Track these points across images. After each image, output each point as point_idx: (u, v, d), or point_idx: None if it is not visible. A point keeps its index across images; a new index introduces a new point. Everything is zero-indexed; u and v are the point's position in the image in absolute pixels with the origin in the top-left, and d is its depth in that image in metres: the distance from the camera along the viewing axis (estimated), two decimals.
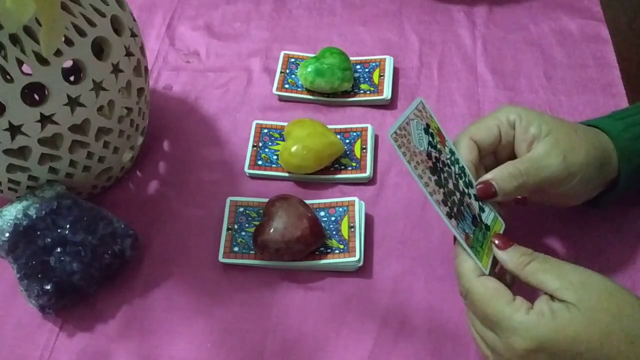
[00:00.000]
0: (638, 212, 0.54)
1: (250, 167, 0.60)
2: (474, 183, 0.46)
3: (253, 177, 0.61)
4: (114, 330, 0.52)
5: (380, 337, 0.49)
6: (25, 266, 0.49)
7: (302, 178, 0.60)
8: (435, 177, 0.43)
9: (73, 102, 0.49)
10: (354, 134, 0.62)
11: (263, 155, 0.61)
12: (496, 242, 0.43)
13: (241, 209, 0.57)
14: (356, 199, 0.56)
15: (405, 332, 0.49)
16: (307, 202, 0.55)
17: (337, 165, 0.60)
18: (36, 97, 0.58)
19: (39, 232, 0.50)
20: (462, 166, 0.46)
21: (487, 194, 0.45)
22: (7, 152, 0.48)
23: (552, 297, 0.39)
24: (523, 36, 0.70)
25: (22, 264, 0.49)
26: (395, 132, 0.42)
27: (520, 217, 0.54)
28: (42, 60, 0.45)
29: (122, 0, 0.54)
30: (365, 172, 0.59)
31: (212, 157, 0.63)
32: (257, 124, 0.64)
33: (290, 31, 0.75)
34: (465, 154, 0.46)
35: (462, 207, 0.44)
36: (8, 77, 0.45)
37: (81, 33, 0.48)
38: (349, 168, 0.59)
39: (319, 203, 0.56)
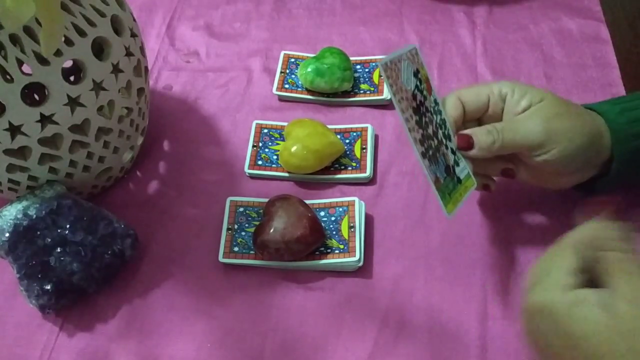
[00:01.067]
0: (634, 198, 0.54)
1: (250, 167, 0.60)
2: (452, 137, 0.48)
3: (253, 177, 0.61)
4: (114, 330, 0.52)
5: (380, 337, 0.49)
6: (25, 266, 0.49)
7: (302, 178, 0.60)
8: (417, 118, 0.45)
9: (73, 102, 0.49)
10: (354, 134, 0.62)
11: (263, 155, 0.61)
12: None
13: (241, 209, 0.57)
14: (356, 199, 0.56)
15: (405, 332, 0.49)
16: (307, 202, 0.55)
17: (337, 165, 0.60)
18: (36, 97, 0.58)
19: (39, 232, 0.50)
20: (444, 118, 0.48)
21: (465, 144, 0.47)
22: (7, 152, 0.48)
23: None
24: (523, 36, 0.70)
25: (22, 264, 0.49)
26: (386, 64, 0.43)
27: (514, 211, 0.54)
28: (42, 60, 0.45)
29: (122, 0, 0.54)
30: (365, 172, 0.59)
31: (212, 157, 0.63)
32: (257, 124, 0.64)
33: (290, 31, 0.75)
34: (450, 110, 0.48)
35: (437, 154, 0.46)
36: (8, 77, 0.45)
37: (81, 33, 0.48)
38: (349, 168, 0.59)
39: (319, 203, 0.56)
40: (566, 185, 0.50)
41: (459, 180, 0.47)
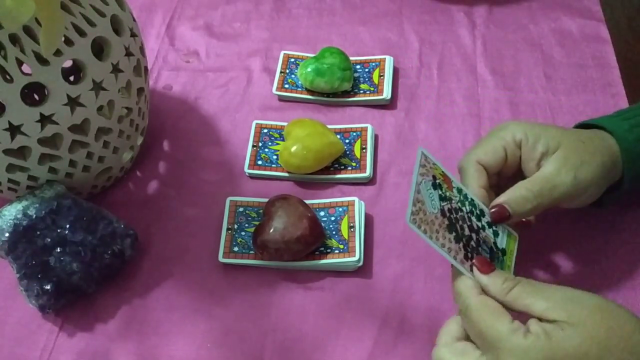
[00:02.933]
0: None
1: (250, 167, 0.60)
2: (486, 211, 0.46)
3: (253, 177, 0.61)
4: (114, 330, 0.52)
5: (380, 337, 0.49)
6: (25, 266, 0.49)
7: (302, 178, 0.60)
8: (454, 234, 0.43)
9: (73, 102, 0.49)
10: (354, 134, 0.62)
11: (263, 155, 0.61)
12: (477, 264, 0.42)
13: (241, 209, 0.57)
14: (356, 199, 0.56)
15: (405, 332, 0.49)
16: (307, 202, 0.55)
17: (336, 165, 0.60)
18: (36, 97, 0.58)
19: (38, 232, 0.50)
20: (472, 199, 0.45)
21: (502, 217, 0.45)
22: (6, 152, 0.48)
23: (541, 320, 0.38)
24: (523, 36, 0.70)
25: (21, 264, 0.49)
26: (413, 217, 0.41)
27: None
28: (42, 60, 0.45)
29: (122, 0, 0.54)
30: (365, 172, 0.59)
31: (212, 157, 0.63)
32: (257, 123, 0.64)
33: (290, 31, 0.75)
34: (475, 181, 0.46)
35: (479, 248, 0.44)
36: (8, 77, 0.45)
37: (81, 33, 0.48)
38: (349, 168, 0.59)
39: (318, 203, 0.56)
40: (581, 206, 0.49)
41: (504, 252, 0.46)
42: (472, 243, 0.44)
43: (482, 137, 0.50)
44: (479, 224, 0.45)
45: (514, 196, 0.45)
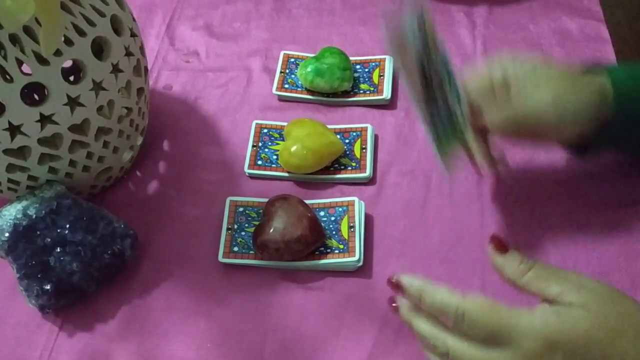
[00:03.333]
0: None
1: (250, 167, 0.60)
2: (461, 95, 0.49)
3: (253, 177, 0.61)
4: (114, 330, 0.52)
5: (380, 337, 0.49)
6: (25, 266, 0.49)
7: (301, 178, 0.60)
8: (422, 80, 0.46)
9: (73, 102, 0.49)
10: (354, 133, 0.62)
11: (263, 155, 0.61)
12: (493, 245, 0.41)
13: (241, 209, 0.57)
14: (356, 198, 0.56)
15: (405, 332, 0.49)
16: (307, 202, 0.55)
17: (336, 165, 0.60)
18: (36, 97, 0.58)
19: (38, 232, 0.50)
20: (454, 80, 0.49)
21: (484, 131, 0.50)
22: (6, 152, 0.48)
23: (552, 302, 0.38)
24: (523, 36, 0.70)
25: (21, 264, 0.49)
26: (387, 24, 0.45)
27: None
28: (42, 60, 0.45)
29: (121, 0, 0.54)
30: (365, 172, 0.59)
31: (212, 157, 0.63)
32: (256, 123, 0.64)
33: (290, 31, 0.75)
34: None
35: (444, 116, 0.48)
36: (8, 77, 0.45)
37: (81, 33, 0.48)
38: (349, 168, 0.59)
39: (318, 203, 0.56)
40: (564, 140, 0.51)
41: (461, 132, 0.49)
42: (440, 106, 0.48)
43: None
44: (455, 99, 0.49)
45: (491, 115, 0.49)
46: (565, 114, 0.47)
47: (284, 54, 0.70)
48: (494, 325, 0.38)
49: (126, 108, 0.55)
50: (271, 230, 0.51)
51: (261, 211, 0.56)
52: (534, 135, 0.50)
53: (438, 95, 0.47)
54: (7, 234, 0.49)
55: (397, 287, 0.42)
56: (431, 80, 0.46)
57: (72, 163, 0.52)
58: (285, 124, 0.62)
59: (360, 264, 0.53)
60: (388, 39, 0.44)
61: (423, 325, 0.41)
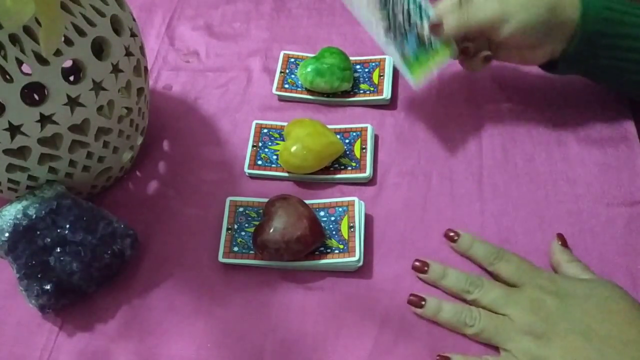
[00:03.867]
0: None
1: (250, 167, 0.60)
2: (431, 15, 0.55)
3: (253, 177, 0.61)
4: (114, 330, 0.52)
5: (380, 337, 0.49)
6: (25, 266, 0.49)
7: (301, 178, 0.60)
8: (383, 12, 0.53)
9: (73, 102, 0.49)
10: (354, 134, 0.62)
11: (263, 155, 0.61)
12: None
13: (241, 209, 0.57)
14: (356, 199, 0.56)
15: (404, 332, 0.49)
16: (307, 202, 0.55)
17: (336, 165, 0.60)
18: (36, 97, 0.58)
19: (38, 232, 0.50)
20: (420, 3, 0.55)
21: (437, 32, 0.55)
22: (6, 152, 0.48)
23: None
24: None
25: (21, 264, 0.49)
26: None
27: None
28: (42, 60, 0.45)
29: (121, 0, 0.54)
30: (365, 172, 0.59)
31: (212, 157, 0.63)
32: (256, 123, 0.64)
33: (290, 31, 0.75)
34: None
35: (408, 34, 0.54)
36: (8, 76, 0.45)
37: (81, 33, 0.48)
38: (349, 168, 0.59)
39: (318, 203, 0.56)
40: (538, 61, 0.56)
41: (435, 50, 0.55)
42: (402, 29, 0.54)
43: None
44: (419, 22, 0.55)
45: (448, 13, 0.54)
46: (508, 12, 0.51)
47: (284, 54, 0.70)
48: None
49: (126, 108, 0.55)
50: (271, 230, 0.51)
51: (261, 211, 0.56)
52: (491, 41, 0.55)
53: (398, 10, 0.54)
54: (7, 234, 0.49)
55: (421, 266, 0.51)
56: (393, 7, 0.54)
57: (72, 163, 0.52)
58: (285, 124, 0.62)
59: (360, 264, 0.53)
60: None
61: (447, 310, 0.48)
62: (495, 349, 0.47)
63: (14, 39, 0.44)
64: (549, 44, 0.53)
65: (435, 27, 0.55)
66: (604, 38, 0.51)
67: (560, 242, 0.51)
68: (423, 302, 0.49)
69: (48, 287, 0.49)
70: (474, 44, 0.57)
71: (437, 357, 0.47)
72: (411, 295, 0.50)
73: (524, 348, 0.45)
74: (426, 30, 0.55)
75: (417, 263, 0.52)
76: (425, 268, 0.51)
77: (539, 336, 0.45)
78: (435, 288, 0.52)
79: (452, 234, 0.53)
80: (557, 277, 0.48)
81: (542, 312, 0.45)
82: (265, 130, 0.63)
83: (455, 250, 0.53)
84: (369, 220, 0.56)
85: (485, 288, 0.48)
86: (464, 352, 0.48)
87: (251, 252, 0.54)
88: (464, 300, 0.50)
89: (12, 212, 0.50)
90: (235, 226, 0.56)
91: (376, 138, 0.63)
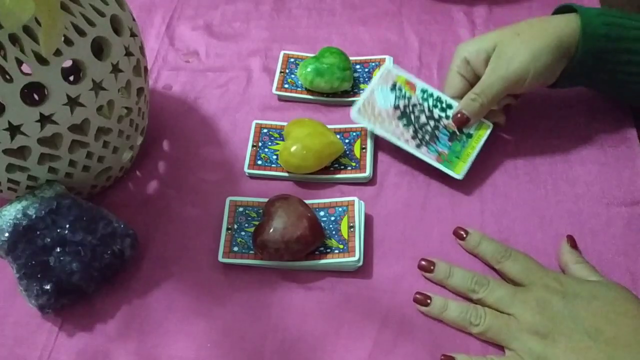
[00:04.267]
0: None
1: (250, 167, 0.60)
2: (453, 104, 0.58)
3: (253, 177, 0.61)
4: (114, 330, 0.52)
5: (380, 337, 0.49)
6: (24, 266, 0.49)
7: (301, 178, 0.60)
8: (404, 120, 0.57)
9: (72, 102, 0.49)
10: (354, 133, 0.62)
11: (263, 155, 0.61)
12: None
13: (241, 209, 0.57)
14: (356, 198, 0.56)
15: (404, 332, 0.49)
16: (307, 202, 0.55)
17: (336, 165, 0.60)
18: (36, 96, 0.58)
19: (38, 232, 0.50)
20: (438, 96, 0.58)
21: (462, 122, 0.57)
22: (6, 151, 0.48)
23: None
24: None
25: (21, 264, 0.49)
26: (359, 109, 0.57)
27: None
28: (42, 60, 0.45)
29: (121, 0, 0.53)
30: (364, 172, 0.59)
31: (212, 157, 0.63)
32: (256, 123, 0.64)
33: (290, 31, 0.75)
34: (454, 85, 0.58)
35: (436, 131, 0.57)
36: (7, 76, 0.45)
37: (81, 33, 0.48)
38: (349, 168, 0.59)
39: (318, 203, 0.56)
40: (549, 84, 0.57)
41: (469, 136, 0.57)
42: (428, 128, 0.57)
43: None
44: (442, 115, 0.58)
45: (464, 102, 0.56)
46: (523, 73, 0.53)
47: (284, 53, 0.70)
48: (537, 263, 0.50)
49: (126, 108, 0.55)
50: (271, 230, 0.51)
51: (261, 211, 0.56)
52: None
53: (429, 119, 0.57)
54: (6, 234, 0.49)
55: (427, 265, 0.52)
56: (417, 114, 0.57)
57: (72, 163, 0.52)
58: (285, 123, 0.62)
59: (360, 263, 0.53)
60: (366, 122, 0.57)
61: (453, 309, 0.48)
62: (499, 348, 0.47)
63: (13, 38, 0.44)
64: (557, 70, 0.55)
65: (459, 119, 0.57)
66: (604, 53, 0.52)
67: (569, 244, 0.51)
68: (429, 301, 0.49)
69: (48, 287, 0.49)
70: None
71: (442, 357, 0.47)
72: (417, 293, 0.50)
73: (529, 348, 0.45)
74: (452, 123, 0.57)
75: (423, 262, 0.52)
76: (432, 267, 0.51)
77: (545, 336, 0.45)
78: (438, 287, 0.52)
79: (461, 232, 0.53)
80: (563, 277, 0.48)
81: (547, 312, 0.45)
82: (265, 130, 0.63)
83: (464, 247, 0.53)
84: (368, 220, 0.56)
85: (491, 287, 0.48)
86: (464, 352, 0.48)
87: (251, 252, 0.54)
88: (470, 300, 0.50)
89: (12, 212, 0.50)
90: (235, 226, 0.56)
91: (376, 138, 0.63)
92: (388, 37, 0.72)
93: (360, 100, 0.57)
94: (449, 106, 0.58)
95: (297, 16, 0.76)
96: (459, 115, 0.56)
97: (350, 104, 0.65)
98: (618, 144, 0.59)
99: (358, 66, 0.68)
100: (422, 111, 0.57)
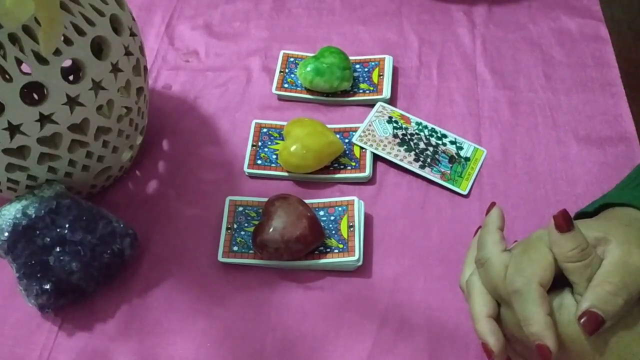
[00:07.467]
0: None
1: (250, 166, 0.60)
2: (449, 134, 0.61)
3: (252, 176, 0.61)
4: (113, 330, 0.52)
5: (380, 337, 0.49)
6: (24, 265, 0.49)
7: (301, 177, 0.60)
8: (405, 147, 0.59)
9: (72, 102, 0.48)
10: (354, 133, 0.62)
11: (262, 154, 0.61)
12: (556, 220, 0.39)
13: (240, 209, 0.57)
14: (355, 198, 0.56)
15: (404, 332, 0.49)
16: (307, 201, 0.55)
17: (336, 165, 0.60)
18: (35, 96, 0.58)
19: (38, 232, 0.50)
20: (432, 128, 0.61)
21: (597, 325, 0.36)
22: (6, 151, 0.48)
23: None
24: (522, 36, 0.70)
25: (21, 264, 0.49)
26: (360, 136, 0.60)
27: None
28: (41, 60, 0.45)
29: (121, 0, 0.53)
30: (364, 172, 0.59)
31: (212, 156, 0.63)
32: (256, 123, 0.64)
33: (290, 30, 0.75)
34: (541, 308, 0.37)
35: (436, 155, 0.59)
36: (7, 76, 0.45)
37: (80, 32, 0.47)
38: (349, 167, 0.59)
39: (318, 202, 0.56)
40: None
41: (467, 159, 0.59)
42: (428, 152, 0.59)
43: (513, 251, 0.41)
44: (439, 142, 0.60)
45: (598, 296, 0.37)
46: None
47: (284, 53, 0.70)
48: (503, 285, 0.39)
49: (126, 107, 0.55)
50: (271, 230, 0.51)
51: (261, 211, 0.56)
52: None
53: (427, 145, 0.60)
54: (6, 234, 0.49)
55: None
56: (416, 142, 0.60)
57: (71, 163, 0.52)
58: (284, 123, 0.62)
59: (360, 263, 0.53)
60: (367, 146, 0.59)
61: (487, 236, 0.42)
62: None
63: (13, 38, 0.44)
64: None
65: (591, 321, 0.37)
66: None
67: (556, 223, 0.39)
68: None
69: (47, 286, 0.49)
70: None
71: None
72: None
73: None
74: (449, 149, 0.59)
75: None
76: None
77: None
78: (439, 283, 0.51)
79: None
80: None
81: None
82: (265, 130, 0.63)
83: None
84: (368, 220, 0.56)
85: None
86: (463, 352, 0.48)
87: (251, 251, 0.54)
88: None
89: (12, 211, 0.50)
90: (235, 226, 0.56)
91: None
92: (388, 37, 0.72)
93: (359, 129, 0.60)
94: (444, 135, 0.61)
95: (296, 16, 0.76)
96: (590, 317, 0.36)
97: (350, 103, 0.66)
98: (618, 144, 0.59)
99: (358, 66, 0.68)
100: (420, 139, 0.60)
